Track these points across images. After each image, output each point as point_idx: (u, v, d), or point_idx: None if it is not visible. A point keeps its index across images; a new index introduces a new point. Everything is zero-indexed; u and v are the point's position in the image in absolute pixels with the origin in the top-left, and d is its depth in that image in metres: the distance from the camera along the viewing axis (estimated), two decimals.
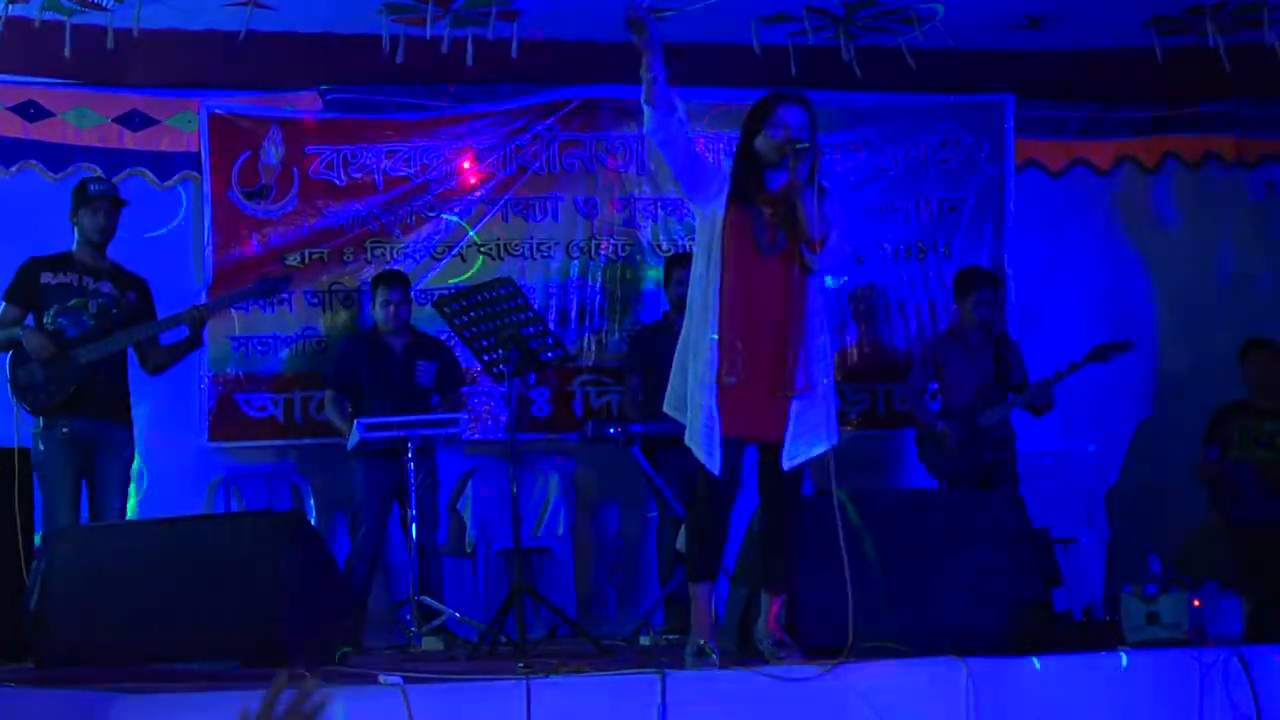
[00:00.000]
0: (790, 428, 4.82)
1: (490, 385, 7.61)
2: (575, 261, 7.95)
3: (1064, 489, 8.03)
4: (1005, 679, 4.60)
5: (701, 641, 4.82)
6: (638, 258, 8.02)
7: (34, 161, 7.50)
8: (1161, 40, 7.48)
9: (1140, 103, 8.38)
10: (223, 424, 7.59)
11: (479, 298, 6.14)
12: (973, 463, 7.29)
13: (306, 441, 7.66)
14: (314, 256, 7.76)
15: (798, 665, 4.59)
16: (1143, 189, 8.49)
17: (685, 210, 7.67)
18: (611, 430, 6.82)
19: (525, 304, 6.16)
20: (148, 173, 7.64)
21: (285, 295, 7.55)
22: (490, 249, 7.89)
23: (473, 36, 7.12)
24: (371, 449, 6.88)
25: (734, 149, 5.06)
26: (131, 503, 6.65)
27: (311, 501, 7.59)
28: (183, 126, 7.66)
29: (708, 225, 4.90)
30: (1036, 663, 4.68)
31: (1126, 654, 4.83)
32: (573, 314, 7.92)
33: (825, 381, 4.87)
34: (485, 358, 6.24)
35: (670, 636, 6.61)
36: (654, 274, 7.93)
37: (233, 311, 7.48)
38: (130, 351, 6.42)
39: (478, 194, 7.91)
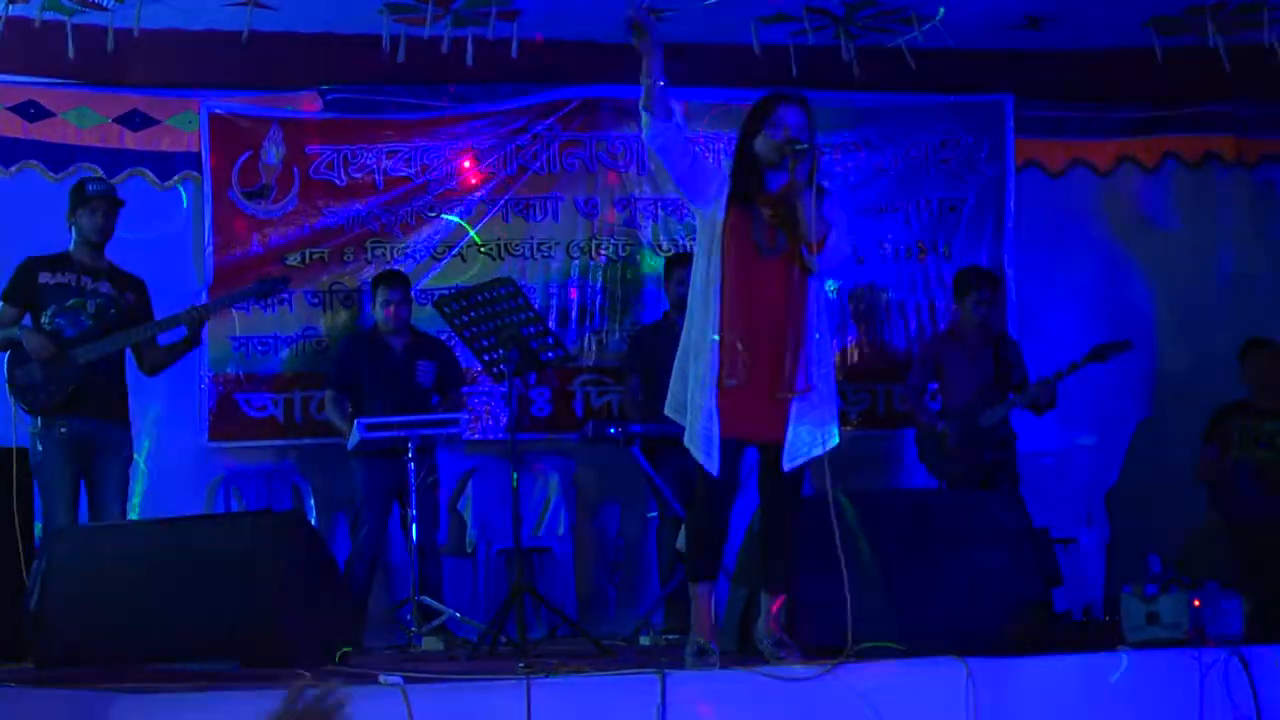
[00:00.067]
0: (790, 428, 4.82)
1: (490, 385, 7.61)
2: (575, 261, 7.95)
3: (1064, 489, 8.04)
4: (1005, 679, 4.60)
5: (701, 641, 4.82)
6: (638, 258, 8.03)
7: (34, 161, 7.51)
8: (1161, 40, 7.47)
9: (1140, 103, 8.39)
10: (223, 424, 7.60)
11: (479, 298, 6.15)
12: (973, 463, 7.29)
13: (306, 441, 7.66)
14: (314, 256, 7.76)
15: (798, 665, 4.59)
16: (1142, 189, 8.49)
17: (685, 210, 7.67)
18: (612, 430, 6.82)
19: (525, 304, 6.16)
20: (148, 173, 7.64)
21: (285, 295, 7.56)
22: (490, 249, 7.90)
23: (473, 36, 7.12)
24: (372, 449, 6.88)
25: (734, 149, 5.06)
26: (133, 502, 6.66)
27: (311, 501, 7.60)
28: (183, 126, 7.67)
29: (708, 227, 4.90)
30: (1036, 663, 4.68)
31: (1126, 654, 4.83)
32: (573, 314, 7.92)
33: (826, 383, 4.88)
34: (485, 358, 6.24)
35: (670, 636, 6.61)
36: (654, 274, 7.93)
37: (233, 311, 7.48)
38: (127, 352, 6.42)
39: (478, 194, 7.91)
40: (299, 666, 4.60)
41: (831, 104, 7.69)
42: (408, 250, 7.81)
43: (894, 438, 8.08)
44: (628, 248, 8.02)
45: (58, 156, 7.52)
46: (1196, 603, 4.95)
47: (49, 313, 6.23)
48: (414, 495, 6.71)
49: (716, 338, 4.77)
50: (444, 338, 7.40)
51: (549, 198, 7.96)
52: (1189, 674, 4.73)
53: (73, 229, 6.37)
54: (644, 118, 4.76)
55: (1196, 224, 8.52)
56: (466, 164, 7.91)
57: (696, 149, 5.97)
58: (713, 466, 4.75)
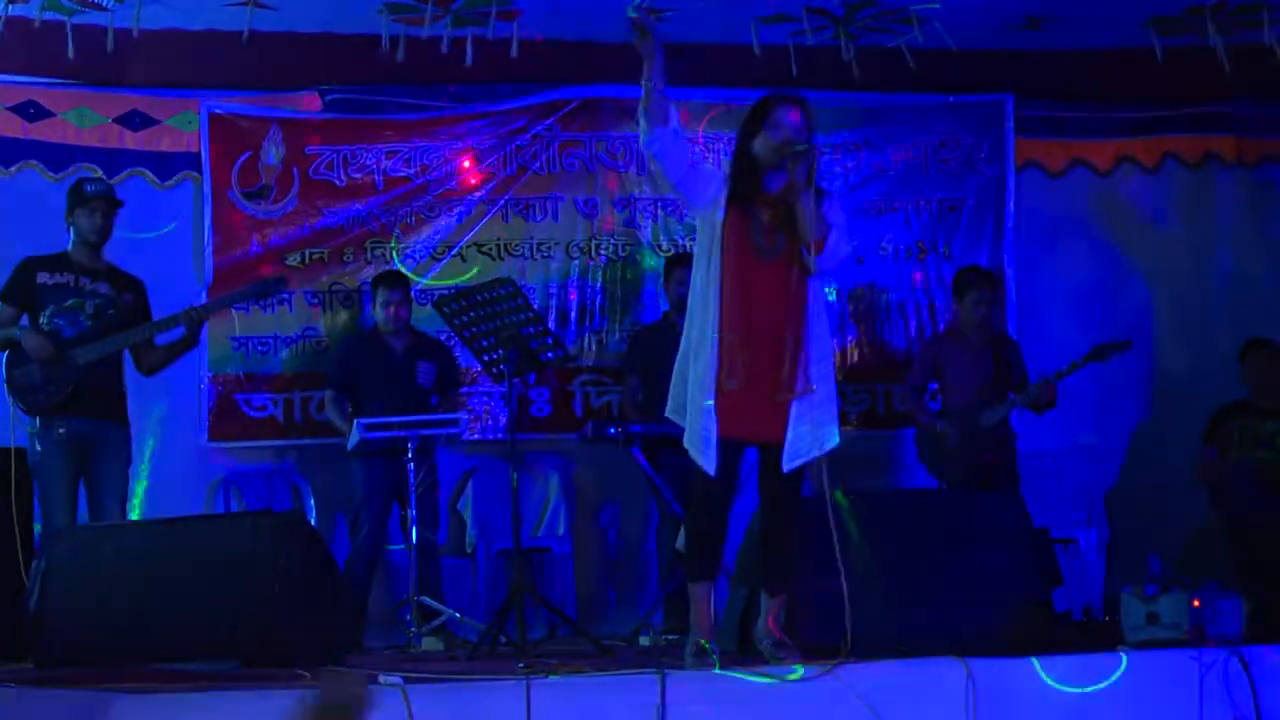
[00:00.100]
0: (790, 429, 4.82)
1: (490, 385, 7.61)
2: (575, 261, 7.95)
3: (1064, 489, 8.03)
4: (1005, 679, 4.60)
5: (701, 641, 4.82)
6: (638, 258, 8.03)
7: (34, 161, 7.51)
8: (1161, 40, 7.48)
9: (1140, 103, 8.38)
10: (223, 424, 7.60)
11: (479, 298, 6.14)
12: (973, 463, 7.28)
13: (306, 441, 7.66)
14: (314, 257, 7.76)
15: (797, 665, 4.59)
16: (1142, 189, 8.49)
17: (685, 211, 7.66)
18: (611, 430, 6.82)
19: (525, 304, 6.15)
20: (148, 173, 7.64)
21: (285, 295, 7.56)
22: (490, 249, 7.90)
23: (472, 36, 7.12)
24: (371, 449, 6.88)
25: (733, 151, 5.06)
26: (133, 502, 6.65)
27: (311, 501, 7.60)
28: (183, 127, 7.67)
29: (707, 228, 4.90)
30: (1036, 663, 4.68)
31: (1126, 654, 4.83)
32: (573, 314, 7.92)
33: (825, 384, 4.87)
34: (485, 358, 6.24)
35: (670, 636, 6.61)
36: (654, 274, 7.93)
37: (233, 312, 7.48)
38: (126, 352, 6.41)
39: (478, 194, 7.91)
40: (299, 666, 4.59)
41: (831, 104, 7.69)
42: (408, 250, 7.82)
43: (894, 438, 8.09)
44: (627, 248, 8.02)
45: (57, 156, 7.51)
46: (1196, 603, 4.96)
47: (47, 313, 6.22)
48: (414, 495, 6.71)
49: (716, 339, 4.77)
50: (444, 338, 7.40)
51: (549, 198, 7.96)
52: (1189, 674, 4.74)
53: (71, 229, 6.37)
54: (642, 123, 4.76)
55: (1196, 224, 8.52)
56: (466, 164, 7.91)
57: (694, 152, 5.97)
58: (711, 467, 4.75)
